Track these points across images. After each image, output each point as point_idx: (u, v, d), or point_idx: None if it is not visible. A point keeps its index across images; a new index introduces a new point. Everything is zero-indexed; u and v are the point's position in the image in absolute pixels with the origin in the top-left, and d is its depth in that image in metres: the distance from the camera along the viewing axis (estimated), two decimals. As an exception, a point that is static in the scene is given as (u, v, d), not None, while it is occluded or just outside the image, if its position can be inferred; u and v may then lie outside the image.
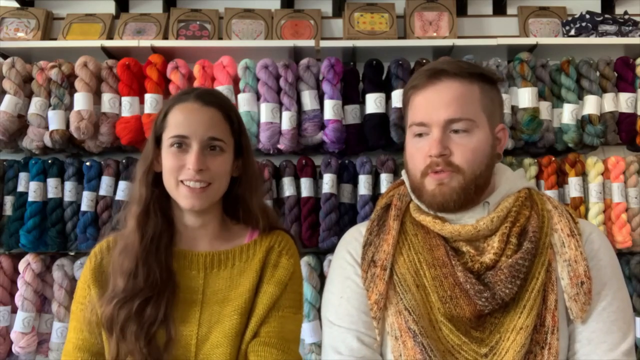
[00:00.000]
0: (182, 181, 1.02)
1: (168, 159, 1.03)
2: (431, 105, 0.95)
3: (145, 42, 1.91)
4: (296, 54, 1.95)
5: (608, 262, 0.97)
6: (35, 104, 1.84)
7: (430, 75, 0.96)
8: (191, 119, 1.03)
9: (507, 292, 0.89)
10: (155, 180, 1.06)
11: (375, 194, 1.85)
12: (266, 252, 1.08)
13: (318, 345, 1.76)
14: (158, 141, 1.07)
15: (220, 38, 2.10)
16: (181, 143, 1.02)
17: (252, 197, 1.11)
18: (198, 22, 2.10)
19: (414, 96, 0.99)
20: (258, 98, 1.86)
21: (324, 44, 1.92)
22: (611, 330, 0.91)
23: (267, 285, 1.05)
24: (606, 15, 2.02)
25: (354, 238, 1.07)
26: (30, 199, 1.82)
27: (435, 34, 2.07)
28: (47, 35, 2.10)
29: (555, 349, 0.88)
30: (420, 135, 0.97)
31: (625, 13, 2.07)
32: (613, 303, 0.92)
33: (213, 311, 1.03)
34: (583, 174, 1.87)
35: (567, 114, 1.86)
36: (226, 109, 1.08)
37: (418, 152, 0.97)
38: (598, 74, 1.92)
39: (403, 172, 1.11)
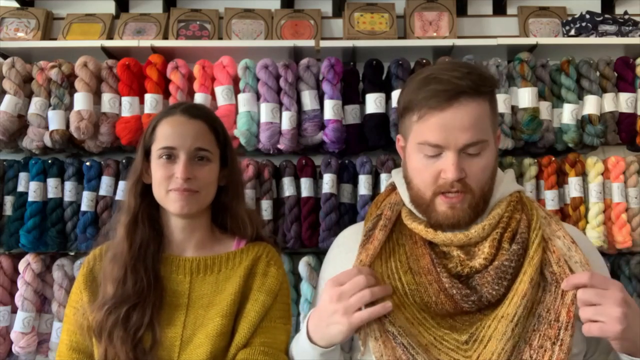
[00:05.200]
0: (171, 190, 1.07)
1: (157, 170, 1.09)
2: (450, 128, 0.93)
3: (145, 42, 1.91)
4: (296, 54, 1.95)
5: (603, 262, 1.06)
6: (35, 104, 1.83)
7: (450, 97, 0.93)
8: (178, 131, 1.08)
9: (493, 293, 0.91)
10: (144, 191, 1.12)
11: (375, 194, 1.85)
12: (253, 261, 1.11)
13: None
14: (147, 154, 1.12)
15: (220, 38, 2.10)
16: (170, 154, 1.07)
17: (238, 205, 1.17)
18: (198, 22, 2.10)
19: (429, 115, 0.94)
20: (258, 98, 1.85)
21: (324, 44, 1.92)
22: None
23: (258, 293, 1.08)
24: (606, 15, 2.02)
25: (355, 240, 1.07)
26: (30, 199, 1.81)
27: (435, 34, 2.07)
28: (47, 35, 2.10)
29: (567, 346, 0.86)
30: (431, 155, 0.96)
31: (625, 13, 2.07)
32: None
33: (198, 314, 1.05)
34: (583, 174, 1.86)
35: (567, 114, 1.86)
36: (211, 121, 1.14)
37: (428, 170, 0.96)
38: (598, 74, 1.92)
39: (394, 173, 1.11)
